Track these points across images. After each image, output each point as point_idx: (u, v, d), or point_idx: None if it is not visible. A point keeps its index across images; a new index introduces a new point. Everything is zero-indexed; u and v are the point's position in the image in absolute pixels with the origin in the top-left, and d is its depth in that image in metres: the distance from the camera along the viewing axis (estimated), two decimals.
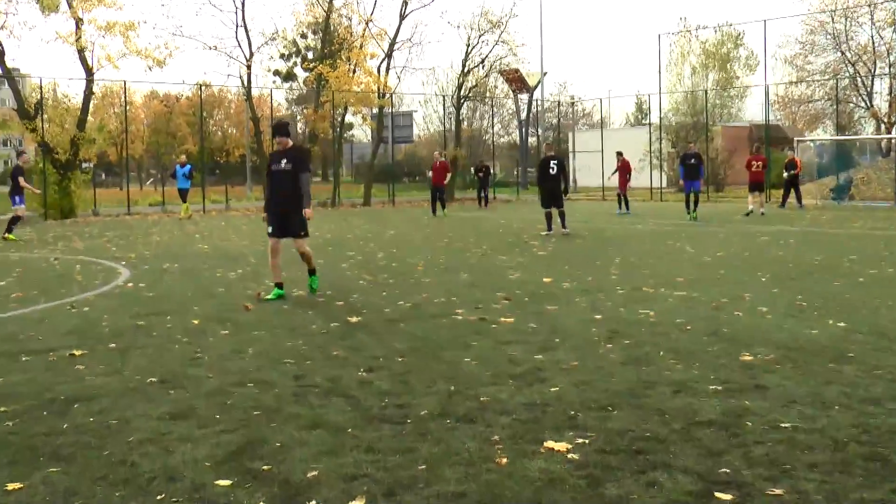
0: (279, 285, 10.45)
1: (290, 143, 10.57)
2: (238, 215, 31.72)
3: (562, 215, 19.68)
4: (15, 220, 21.08)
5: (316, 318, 8.92)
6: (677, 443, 4.66)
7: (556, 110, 55.91)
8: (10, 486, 4.18)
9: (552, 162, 19.70)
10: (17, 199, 21.23)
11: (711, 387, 5.82)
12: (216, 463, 4.47)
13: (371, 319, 8.82)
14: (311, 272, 10.85)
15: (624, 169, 29.80)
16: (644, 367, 6.42)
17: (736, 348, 7.04)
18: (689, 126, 46.26)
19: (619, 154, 30.73)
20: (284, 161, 10.38)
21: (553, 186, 19.70)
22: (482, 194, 35.83)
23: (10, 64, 31.66)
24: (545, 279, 11.68)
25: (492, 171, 41.03)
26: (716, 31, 50.60)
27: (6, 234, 20.47)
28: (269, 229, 10.54)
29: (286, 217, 10.43)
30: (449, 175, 31.54)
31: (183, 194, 29.64)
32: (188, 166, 29.70)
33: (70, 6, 30.87)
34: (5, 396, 5.88)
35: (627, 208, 29.05)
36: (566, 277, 11.87)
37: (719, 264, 13.22)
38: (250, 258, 15.07)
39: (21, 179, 21.39)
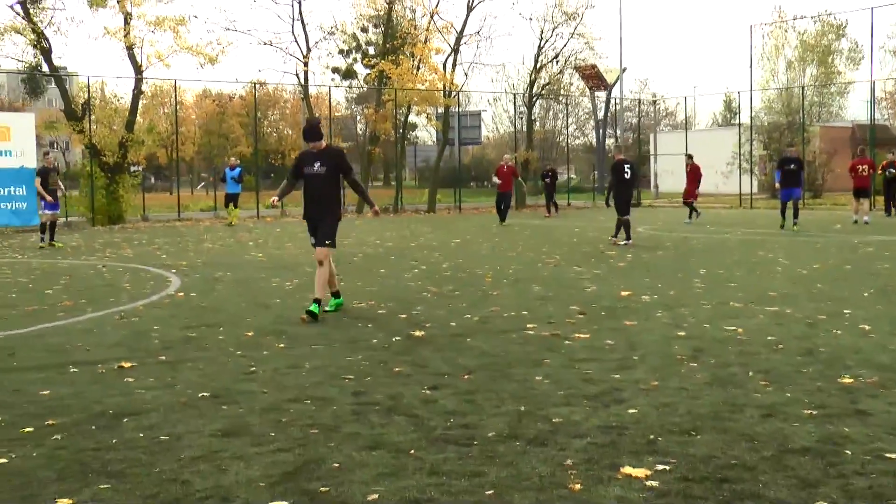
0: (335, 294, 10.55)
1: (324, 143, 10.40)
2: (294, 221, 32.09)
3: (626, 223, 19.86)
4: (51, 227, 21.12)
5: (377, 332, 9.01)
6: (767, 472, 4.62)
7: (636, 109, 55.58)
8: (60, 502, 4.31)
9: (626, 166, 19.93)
10: (41, 203, 21.14)
11: (806, 411, 5.76)
12: (271, 483, 4.56)
13: (435, 334, 8.89)
14: (334, 294, 10.60)
15: (694, 174, 28.96)
16: (731, 389, 6.38)
17: (834, 370, 6.96)
18: (784, 126, 45.63)
19: (690, 157, 29.93)
20: (318, 164, 10.21)
21: (626, 192, 20.05)
22: (550, 200, 35.50)
23: (56, 62, 32.50)
24: (623, 292, 11.64)
25: (559, 175, 40.61)
26: (815, 22, 49.96)
27: (52, 242, 20.82)
28: (312, 240, 10.54)
29: (318, 222, 10.34)
30: (518, 179, 31.65)
31: (233, 199, 29.90)
32: (238, 169, 29.87)
33: (118, 1, 31.59)
34: (53, 409, 6.06)
35: (697, 213, 28.40)
36: (646, 290, 11.82)
37: (816, 277, 13.04)
38: (306, 267, 15.25)
39: (37, 181, 21.16)
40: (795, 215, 23.31)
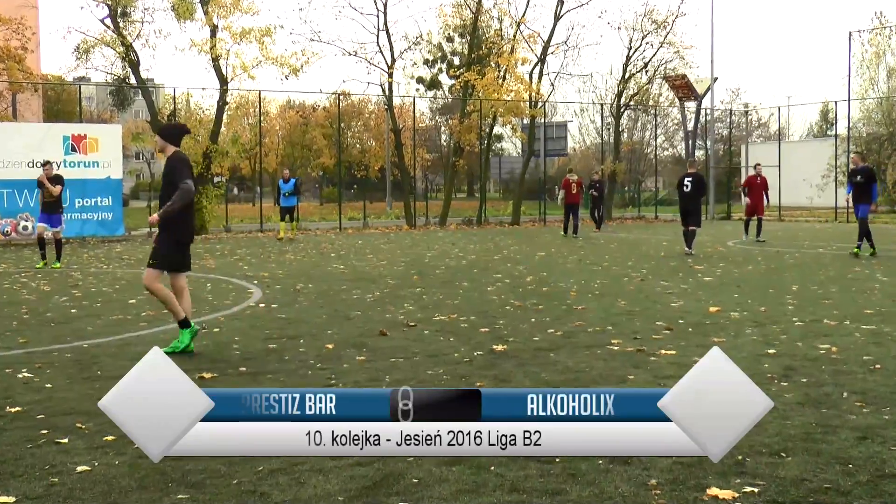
0: (183, 323, 8.86)
1: (173, 149, 9.03)
2: (377, 233, 32.36)
3: (691, 234, 20.77)
4: (40, 243, 18.87)
5: (458, 346, 9.02)
6: (862, 497, 4.52)
7: (728, 120, 54.91)
8: None
9: (686, 179, 20.97)
10: (42, 216, 18.79)
11: None
12: (349, 497, 4.59)
13: (518, 348, 8.87)
14: (181, 324, 8.89)
15: (762, 186, 25.93)
16: (824, 410, 6.25)
17: None
18: (884, 137, 44.61)
19: (757, 166, 26.99)
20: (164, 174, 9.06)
21: (684, 204, 21.06)
22: (597, 214, 33.15)
23: (143, 75, 33.30)
24: (711, 308, 11.49)
25: (605, 187, 38.90)
26: None
27: (40, 263, 18.62)
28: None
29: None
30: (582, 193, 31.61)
31: (288, 212, 28.46)
32: (293, 181, 28.73)
33: (205, 13, 32.27)
34: None
35: (758, 233, 25.37)
36: (735, 306, 11.65)
37: None
38: (388, 279, 15.37)
39: (39, 194, 18.96)
40: (860, 236, 19.88)
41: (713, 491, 4.58)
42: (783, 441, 5.49)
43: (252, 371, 7.87)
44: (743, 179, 52.48)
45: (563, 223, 30.65)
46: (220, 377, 7.60)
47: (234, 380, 7.50)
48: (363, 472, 4.97)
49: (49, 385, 7.33)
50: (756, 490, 4.60)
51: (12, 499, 4.62)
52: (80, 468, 5.11)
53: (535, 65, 40.27)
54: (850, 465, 5.01)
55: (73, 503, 4.58)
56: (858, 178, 20.12)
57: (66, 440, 5.68)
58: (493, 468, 5.01)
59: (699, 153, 56.93)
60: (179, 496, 4.63)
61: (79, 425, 6.02)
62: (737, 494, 4.53)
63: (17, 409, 6.52)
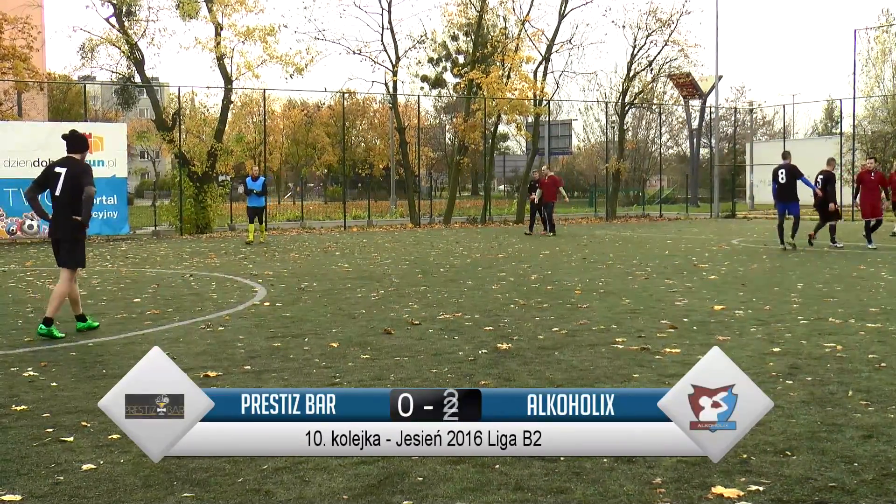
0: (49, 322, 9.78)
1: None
2: (381, 232, 32.35)
3: (833, 226, 22.24)
4: None
5: (463, 345, 9.02)
6: (868, 496, 4.51)
7: (732, 118, 54.87)
8: None
9: (818, 177, 21.77)
10: None
11: None
12: (354, 496, 4.59)
13: (522, 347, 8.87)
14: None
15: (877, 182, 22.23)
16: (829, 408, 6.24)
17: None
18: (889, 135, 44.55)
19: (869, 161, 23.22)
20: None
21: (821, 199, 21.91)
22: (542, 215, 30.09)
23: (148, 73, 33.30)
24: (716, 306, 11.48)
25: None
26: None
27: None
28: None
29: None
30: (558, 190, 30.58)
31: (257, 213, 26.37)
32: (262, 179, 26.61)
33: (209, 11, 32.26)
34: None
35: (868, 237, 22.15)
36: (739, 305, 11.63)
37: None
38: (393, 278, 15.36)
39: None
40: (794, 231, 21.04)
41: (718, 489, 4.57)
42: (788, 440, 5.48)
43: (256, 369, 7.88)
44: (748, 178, 52.52)
45: (549, 223, 29.86)
46: (225, 375, 7.61)
47: (238, 378, 7.51)
48: (367, 471, 4.97)
49: (54, 384, 7.34)
50: (761, 489, 4.59)
51: (18, 497, 4.63)
52: (85, 466, 5.12)
53: (540, 63, 40.28)
54: (856, 464, 5.00)
55: (78, 501, 4.59)
56: (782, 176, 21.10)
57: (71, 438, 5.69)
58: (497, 466, 5.01)
59: (703, 151, 56.86)
60: (184, 494, 4.63)
61: (84, 424, 6.03)
62: (742, 493, 4.52)
63: (23, 407, 6.52)
